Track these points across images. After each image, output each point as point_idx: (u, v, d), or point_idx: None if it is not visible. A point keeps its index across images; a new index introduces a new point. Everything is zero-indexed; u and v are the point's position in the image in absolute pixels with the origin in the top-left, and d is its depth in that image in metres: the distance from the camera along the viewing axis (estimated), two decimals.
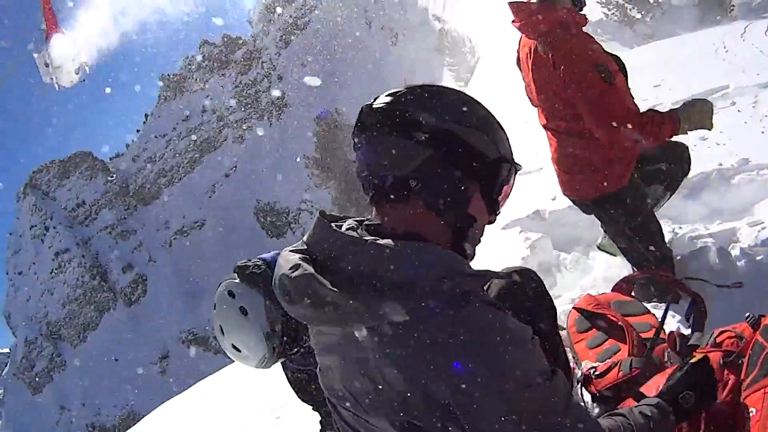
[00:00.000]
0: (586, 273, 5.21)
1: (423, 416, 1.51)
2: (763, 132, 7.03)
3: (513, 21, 3.92)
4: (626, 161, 3.88)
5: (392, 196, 1.70)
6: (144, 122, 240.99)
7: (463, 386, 1.44)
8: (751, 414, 2.07)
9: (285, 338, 2.94)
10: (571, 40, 3.71)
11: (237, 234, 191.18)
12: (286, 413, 6.20)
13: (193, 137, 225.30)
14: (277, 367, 3.25)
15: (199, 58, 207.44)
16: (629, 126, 3.56)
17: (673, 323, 3.70)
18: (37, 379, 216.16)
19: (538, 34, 3.83)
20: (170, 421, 11.13)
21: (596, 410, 2.78)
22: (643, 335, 3.00)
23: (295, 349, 3.04)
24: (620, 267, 4.67)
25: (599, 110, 3.64)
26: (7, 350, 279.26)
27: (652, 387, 2.38)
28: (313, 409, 3.60)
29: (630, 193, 3.92)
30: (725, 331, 2.52)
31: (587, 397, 2.89)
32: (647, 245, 4.06)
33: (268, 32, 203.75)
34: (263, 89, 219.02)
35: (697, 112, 3.65)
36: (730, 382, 2.28)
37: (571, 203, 4.65)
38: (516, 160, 1.80)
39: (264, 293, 2.88)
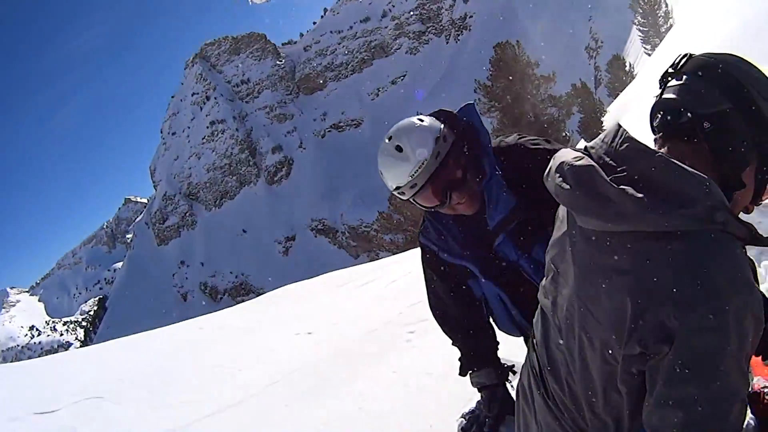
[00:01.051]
0: None
1: (647, 335, 1.55)
2: None
3: None
4: None
5: (683, 132, 1.71)
6: (322, 16, 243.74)
7: (693, 322, 1.47)
8: None
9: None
10: None
11: None
12: (419, 329, 6.36)
13: (369, 39, 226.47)
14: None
15: None
16: None
17: None
18: (166, 231, 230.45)
19: None
20: (293, 302, 11.54)
21: None
22: None
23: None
24: None
25: None
26: (145, 200, 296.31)
27: None
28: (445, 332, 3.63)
29: None
30: None
31: (749, 415, 2.71)
32: None
33: None
34: (446, 7, 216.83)
35: None
36: None
37: None
38: None
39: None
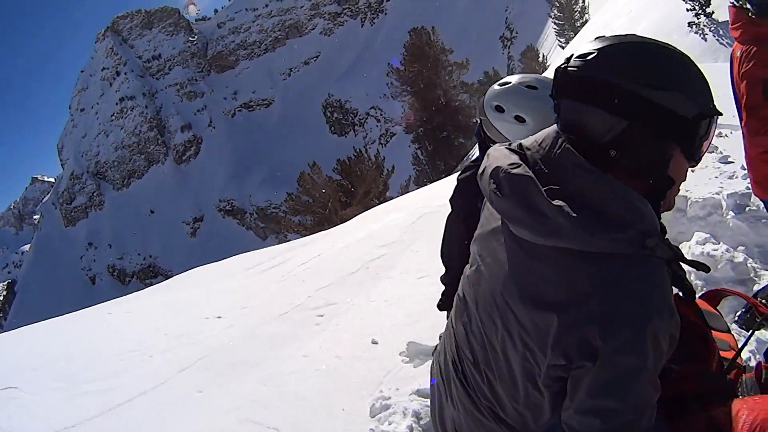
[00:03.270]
0: None
1: (572, 350, 1.61)
2: None
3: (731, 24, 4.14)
4: None
5: (597, 163, 1.66)
6: None
7: (617, 343, 1.55)
8: None
9: None
10: (755, 55, 3.93)
11: (300, 122, 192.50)
12: (328, 313, 6.45)
13: (284, 18, 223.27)
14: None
15: None
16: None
17: (745, 352, 3.76)
18: (73, 212, 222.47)
19: (740, 41, 4.08)
20: (201, 285, 11.52)
21: None
22: (722, 354, 2.78)
23: None
24: (697, 275, 4.92)
25: (748, 120, 3.97)
26: (53, 179, 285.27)
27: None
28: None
29: None
30: None
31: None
32: None
33: None
34: None
35: None
36: None
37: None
38: (715, 107, 1.74)
39: None
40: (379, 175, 37.49)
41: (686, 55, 1.74)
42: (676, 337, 1.64)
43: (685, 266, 1.78)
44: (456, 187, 3.39)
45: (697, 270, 1.97)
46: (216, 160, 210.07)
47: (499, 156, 1.79)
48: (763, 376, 2.57)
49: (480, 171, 1.85)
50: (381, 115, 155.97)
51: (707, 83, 1.74)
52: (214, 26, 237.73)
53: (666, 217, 5.03)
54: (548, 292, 1.64)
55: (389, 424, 3.92)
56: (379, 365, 4.68)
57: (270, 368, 5.40)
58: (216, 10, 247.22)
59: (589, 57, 1.69)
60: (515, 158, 1.74)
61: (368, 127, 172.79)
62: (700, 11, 28.41)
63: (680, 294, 2.00)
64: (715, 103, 1.74)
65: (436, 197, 7.85)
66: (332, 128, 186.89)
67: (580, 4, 63.96)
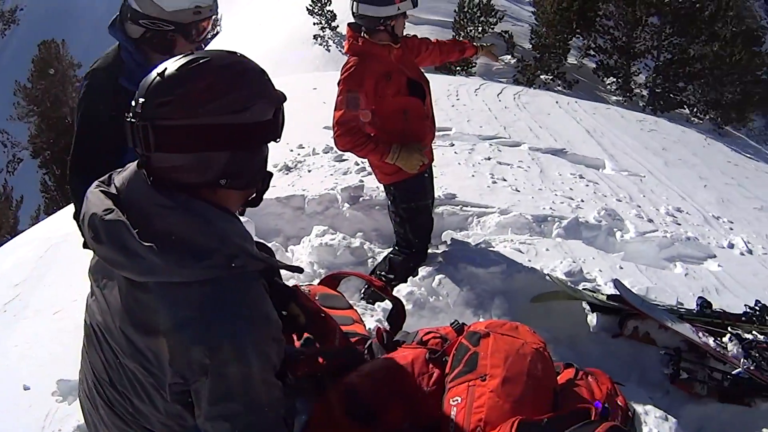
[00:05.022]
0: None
1: (186, 370, 1.74)
2: (473, 175, 8.02)
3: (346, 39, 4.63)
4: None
5: (194, 194, 1.78)
6: None
7: (221, 358, 1.71)
8: (456, 402, 2.55)
9: None
10: (351, 67, 4.43)
11: None
12: None
13: None
14: None
15: None
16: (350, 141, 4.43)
17: (371, 321, 4.15)
18: None
19: (349, 53, 4.57)
20: None
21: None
22: (345, 328, 3.20)
23: None
24: (320, 264, 5.29)
25: (335, 124, 4.39)
26: None
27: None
28: None
29: (409, 185, 4.73)
30: (431, 332, 3.00)
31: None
32: (411, 231, 4.97)
33: None
34: None
35: (406, 156, 4.43)
36: (435, 375, 2.74)
37: (277, 196, 6.16)
38: (281, 92, 1.90)
39: None
40: (8, 208, 34.63)
41: (246, 59, 1.86)
42: (280, 338, 1.87)
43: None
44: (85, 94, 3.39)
45: (292, 272, 2.40)
46: None
47: (95, 201, 1.79)
48: (385, 339, 3.05)
49: (81, 217, 1.84)
50: (8, 139, 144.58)
51: (265, 72, 1.87)
52: None
53: (287, 216, 5.29)
54: (157, 320, 1.72)
55: None
56: (37, 411, 4.34)
57: None
58: None
59: (168, 105, 1.71)
60: (109, 203, 1.76)
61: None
62: (325, 25, 30.36)
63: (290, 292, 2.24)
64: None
65: (64, 225, 7.53)
66: None
67: (220, 15, 64.44)
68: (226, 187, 1.81)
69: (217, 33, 55.93)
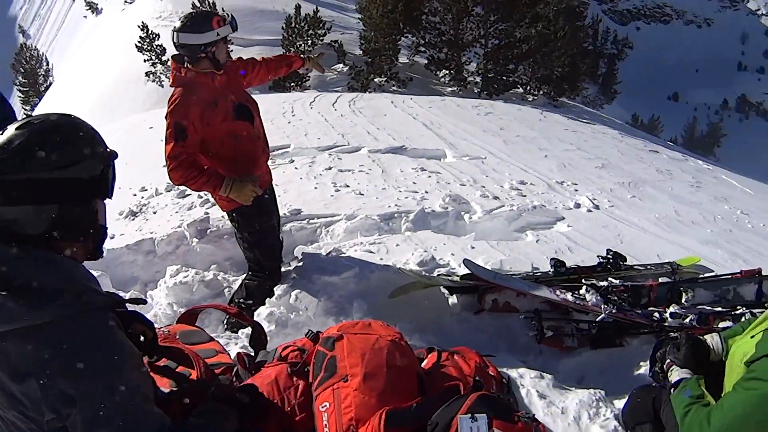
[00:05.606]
0: (145, 310, 5.45)
1: (56, 404, 1.80)
2: (316, 187, 8.12)
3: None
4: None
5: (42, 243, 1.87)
6: None
7: (84, 386, 1.79)
8: (325, 407, 2.61)
9: None
10: (176, 99, 4.39)
11: None
12: None
13: None
14: None
15: None
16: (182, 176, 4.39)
17: (236, 349, 4.10)
18: None
19: (173, 85, 4.52)
20: None
21: None
22: (209, 360, 3.24)
23: None
24: (179, 303, 5.23)
25: (167, 159, 4.36)
26: None
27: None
28: None
29: (251, 209, 4.65)
30: (288, 346, 3.10)
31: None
32: (261, 254, 4.98)
33: None
34: None
35: (239, 188, 4.44)
36: (300, 386, 2.81)
37: (127, 244, 6.01)
38: (112, 150, 2.05)
39: None
40: None
41: (77, 120, 2.00)
42: (139, 363, 2.00)
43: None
44: None
45: (137, 304, 2.52)
46: None
47: None
48: (246, 362, 3.14)
49: None
50: None
51: (96, 132, 2.02)
52: None
53: (140, 262, 5.17)
54: (23, 363, 1.77)
55: None
56: None
57: None
58: None
59: (1, 162, 1.82)
60: None
61: None
62: (156, 60, 29.81)
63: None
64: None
65: None
66: None
67: (45, 66, 62.01)
68: (60, 239, 1.91)
69: (51, 84, 53.89)
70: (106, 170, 2.01)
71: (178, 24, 4.40)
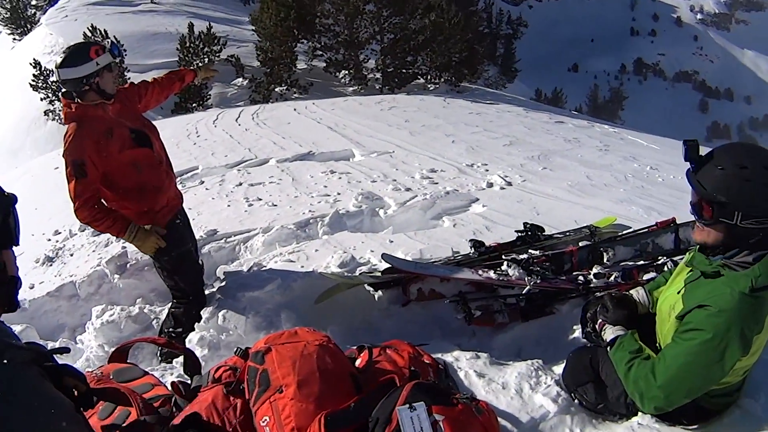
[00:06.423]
0: (76, 355, 5.37)
1: None
2: (228, 205, 8.14)
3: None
4: (150, 216, 4.68)
5: None
6: None
7: None
8: (266, 421, 2.64)
9: None
10: (70, 136, 4.34)
11: None
12: None
13: None
14: None
15: None
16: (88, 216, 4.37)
17: (172, 378, 4.08)
18: None
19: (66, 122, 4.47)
20: None
21: None
22: (146, 395, 3.21)
23: None
24: (109, 343, 5.13)
25: (72, 198, 4.31)
26: None
27: None
28: None
29: (164, 237, 4.67)
30: (220, 366, 3.11)
31: None
32: (182, 280, 4.97)
33: None
34: None
35: (143, 238, 4.53)
36: (239, 405, 2.83)
37: (48, 291, 5.89)
38: (6, 194, 1.99)
39: None
40: None
41: None
42: (73, 414, 1.90)
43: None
44: None
45: (60, 353, 2.43)
46: None
47: None
48: (182, 390, 3.10)
49: None
50: None
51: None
52: None
53: (65, 308, 5.01)
54: None
55: None
56: None
57: None
58: None
59: None
60: None
61: None
62: (53, 98, 28.95)
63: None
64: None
65: None
66: None
67: None
68: None
69: None
70: (7, 218, 1.94)
71: (58, 60, 4.31)
